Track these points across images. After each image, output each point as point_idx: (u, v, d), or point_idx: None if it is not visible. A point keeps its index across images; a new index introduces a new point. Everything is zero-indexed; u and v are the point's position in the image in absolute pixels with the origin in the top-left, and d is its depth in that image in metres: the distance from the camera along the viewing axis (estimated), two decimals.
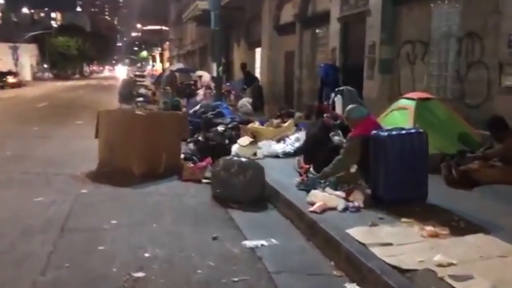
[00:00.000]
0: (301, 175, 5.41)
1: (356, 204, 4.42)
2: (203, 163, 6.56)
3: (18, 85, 35.98)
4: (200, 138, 8.80)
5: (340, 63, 10.60)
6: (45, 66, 57.83)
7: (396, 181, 4.39)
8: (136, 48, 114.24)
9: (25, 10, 75.04)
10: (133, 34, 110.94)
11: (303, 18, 13.01)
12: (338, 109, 9.04)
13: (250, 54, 19.46)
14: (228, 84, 18.03)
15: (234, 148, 7.47)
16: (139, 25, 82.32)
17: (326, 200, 4.50)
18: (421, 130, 4.52)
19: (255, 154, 7.28)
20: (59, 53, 59.81)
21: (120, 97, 17.54)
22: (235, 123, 8.85)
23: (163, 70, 39.79)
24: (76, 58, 64.72)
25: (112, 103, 18.63)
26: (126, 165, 6.42)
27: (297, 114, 13.24)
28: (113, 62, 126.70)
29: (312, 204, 4.55)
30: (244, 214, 4.92)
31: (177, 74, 22.55)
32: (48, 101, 20.18)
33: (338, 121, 5.84)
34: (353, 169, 4.91)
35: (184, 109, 13.87)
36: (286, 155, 7.19)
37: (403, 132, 4.45)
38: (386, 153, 4.38)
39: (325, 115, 5.89)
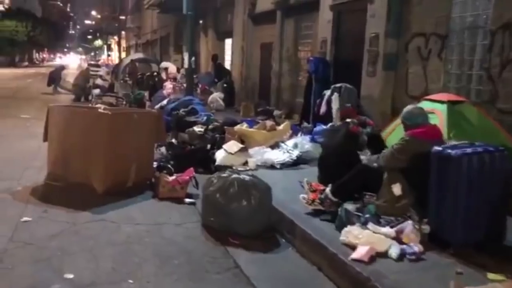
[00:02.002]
0: (313, 201, 4.10)
1: (416, 249, 3.20)
2: (185, 177, 5.16)
3: None
4: (173, 141, 7.40)
5: (331, 57, 9.40)
6: None
7: (469, 215, 3.20)
8: (90, 37, 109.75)
9: None
10: (87, 22, 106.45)
11: (285, 6, 11.71)
12: (335, 109, 7.86)
13: (219, 45, 17.99)
14: (194, 77, 16.49)
15: (219, 155, 6.11)
16: (94, 12, 78.69)
17: (373, 242, 3.25)
18: (502, 148, 3.34)
19: (245, 163, 5.95)
20: (6, 38, 55.71)
21: (75, 90, 15.73)
22: (216, 123, 7.46)
23: (121, 59, 37.53)
24: (25, 45, 60.65)
25: (67, 96, 16.78)
26: (85, 179, 4.94)
27: (276, 112, 12.05)
28: (65, 50, 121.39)
29: (352, 246, 3.30)
30: (253, 257, 3.60)
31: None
32: None
33: (368, 129, 4.57)
34: (398, 190, 3.66)
35: (147, 104, 12.34)
36: (283, 165, 5.90)
37: (480, 149, 3.26)
38: (459, 177, 3.17)
39: (350, 120, 4.63)
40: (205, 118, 8.92)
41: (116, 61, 47.43)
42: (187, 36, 11.00)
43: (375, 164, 3.87)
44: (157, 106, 11.29)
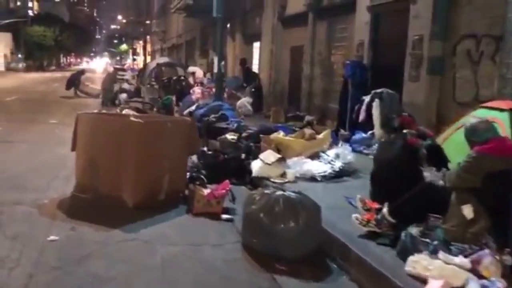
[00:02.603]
0: (368, 222, 3.65)
1: (500, 285, 2.73)
2: (221, 190, 4.78)
3: None
4: (205, 149, 7.04)
5: (368, 61, 8.93)
6: (20, 56, 54.78)
7: None
8: (116, 41, 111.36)
9: None
10: (113, 26, 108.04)
11: (317, 8, 11.29)
12: (376, 116, 7.39)
13: (246, 49, 17.63)
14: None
15: (255, 165, 5.72)
16: (119, 17, 79.70)
17: (446, 275, 2.80)
18: None
19: (283, 175, 5.55)
20: (35, 43, 56.74)
21: (103, 93, 15.62)
22: (249, 130, 7.08)
23: (146, 63, 37.64)
24: (52, 49, 61.70)
25: (94, 100, 16.70)
26: (114, 191, 4.63)
27: (307, 118, 11.62)
28: (92, 54, 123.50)
29: (420, 279, 2.86)
30: (304, 285, 3.19)
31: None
32: (19, 94, 18.00)
33: (429, 141, 4.10)
34: (469, 212, 3.19)
35: (176, 109, 12.07)
36: (324, 178, 5.47)
37: None
38: None
39: (407, 131, 4.17)
40: (235, 124, 8.57)
41: (141, 65, 47.77)
42: (216, 40, 10.68)
43: (441, 182, 3.41)
44: (185, 112, 11.02)
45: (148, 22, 49.50)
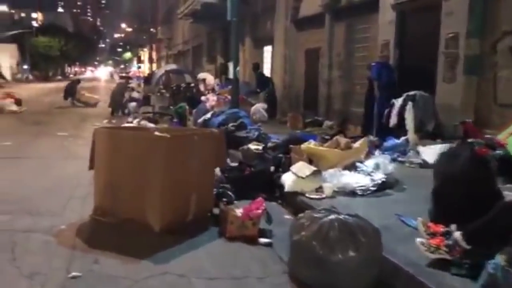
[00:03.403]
0: (437, 249, 3.14)
1: None
2: (256, 210, 4.30)
3: None
4: (228, 160, 6.56)
5: (394, 61, 8.44)
6: (25, 67, 54.74)
7: None
8: (120, 49, 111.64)
9: (4, 8, 71.30)
10: (116, 35, 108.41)
11: (335, 9, 10.83)
12: (409, 120, 6.91)
13: (257, 53, 17.21)
14: (229, 87, 15.69)
15: (287, 179, 5.23)
16: (123, 25, 79.79)
17: None
18: None
19: (318, 189, 5.06)
20: (40, 53, 56.74)
21: (113, 103, 15.24)
22: (277, 140, 6.59)
23: (152, 71, 37.30)
24: (58, 59, 61.71)
25: (103, 108, 16.29)
26: (138, 214, 4.16)
27: (326, 123, 11.16)
28: (96, 63, 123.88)
29: None
30: None
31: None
32: (27, 105, 17.62)
33: (499, 151, 3.60)
34: None
35: (190, 119, 11.61)
36: (365, 191, 4.97)
37: None
38: None
39: (473, 140, 3.66)
40: (256, 133, 8.12)
41: (146, 73, 47.53)
42: (232, 44, 10.20)
43: None
44: (200, 120, 10.57)
45: (152, 29, 49.28)
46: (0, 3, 63.34)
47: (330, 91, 11.27)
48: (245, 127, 8.64)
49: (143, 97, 17.42)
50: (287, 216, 4.84)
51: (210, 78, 16.58)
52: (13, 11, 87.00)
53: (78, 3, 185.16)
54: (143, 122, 12.35)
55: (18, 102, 15.68)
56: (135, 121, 12.39)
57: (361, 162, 5.45)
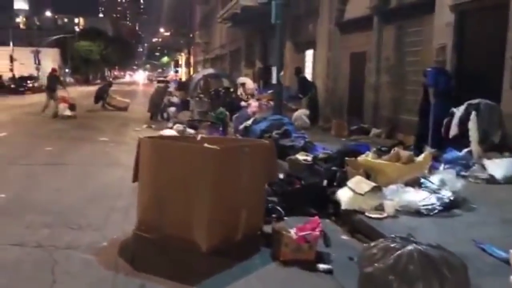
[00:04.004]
0: None
1: None
2: (312, 231, 3.89)
3: (39, 90, 34.03)
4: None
5: (452, 67, 7.85)
6: (67, 70, 56.25)
7: None
8: (157, 54, 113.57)
9: (48, 14, 73.72)
10: (154, 39, 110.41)
11: (383, 11, 10.30)
12: (473, 131, 6.34)
13: (298, 57, 16.77)
14: (269, 92, 15.31)
15: (343, 195, 4.79)
16: (161, 29, 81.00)
17: None
18: None
19: (378, 207, 4.59)
20: (81, 57, 58.25)
21: (152, 108, 15.17)
22: (329, 151, 6.15)
23: (190, 75, 37.46)
24: (98, 63, 63.18)
25: (141, 112, 16.26)
26: (184, 232, 3.82)
27: (374, 131, 10.62)
28: (134, 67, 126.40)
29: None
30: None
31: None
32: None
33: None
34: None
35: (230, 125, 11.31)
36: (432, 211, 4.48)
37: None
38: None
39: None
40: (302, 142, 7.72)
41: (183, 77, 47.89)
42: (276, 48, 9.85)
43: None
44: (241, 127, 10.25)
45: (190, 34, 49.63)
46: (44, 9, 65.56)
47: (378, 97, 10.72)
48: (290, 135, 8.25)
49: (181, 101, 17.30)
50: (344, 237, 4.42)
51: (249, 83, 16.28)
52: (56, 16, 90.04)
53: (118, 8, 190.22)
54: (182, 128, 12.18)
55: (72, 107, 15.61)
56: (175, 127, 12.24)
57: (425, 177, 4.95)
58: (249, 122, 9.95)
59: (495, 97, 6.69)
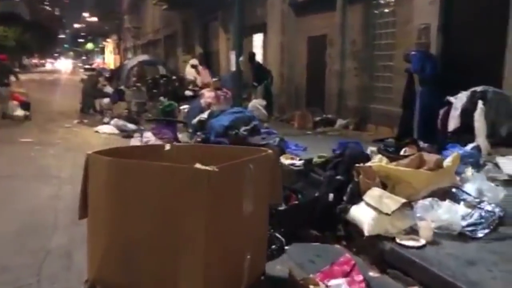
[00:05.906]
0: None
1: None
2: (352, 278, 2.75)
3: None
4: None
5: (437, 50, 7.02)
6: None
7: None
8: (82, 40, 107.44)
9: None
10: (77, 25, 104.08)
11: None
12: (481, 123, 5.49)
13: (244, 42, 15.47)
14: (215, 79, 13.92)
15: (363, 216, 3.67)
16: (86, 14, 76.13)
17: None
18: None
19: (408, 230, 3.54)
20: None
21: (84, 100, 13.37)
22: (322, 154, 4.99)
23: (121, 63, 34.90)
24: (14, 50, 57.92)
25: (68, 105, 14.25)
26: None
27: (340, 122, 9.72)
28: (56, 55, 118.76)
29: None
30: None
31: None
32: None
33: None
34: None
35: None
36: (476, 232, 3.50)
37: None
38: None
39: None
40: (277, 139, 6.58)
41: (112, 65, 44.98)
42: (234, 31, 8.56)
43: None
44: (194, 121, 8.82)
45: (118, 20, 46.60)
46: None
47: (343, 85, 9.78)
48: (259, 132, 7.07)
49: (115, 91, 15.43)
50: (373, 273, 3.33)
51: (201, 69, 14.69)
52: None
53: None
54: (121, 123, 10.59)
55: (25, 105, 11.86)
56: (113, 122, 10.61)
57: (457, 187, 3.97)
58: (205, 115, 8.53)
59: (495, 84, 5.91)
